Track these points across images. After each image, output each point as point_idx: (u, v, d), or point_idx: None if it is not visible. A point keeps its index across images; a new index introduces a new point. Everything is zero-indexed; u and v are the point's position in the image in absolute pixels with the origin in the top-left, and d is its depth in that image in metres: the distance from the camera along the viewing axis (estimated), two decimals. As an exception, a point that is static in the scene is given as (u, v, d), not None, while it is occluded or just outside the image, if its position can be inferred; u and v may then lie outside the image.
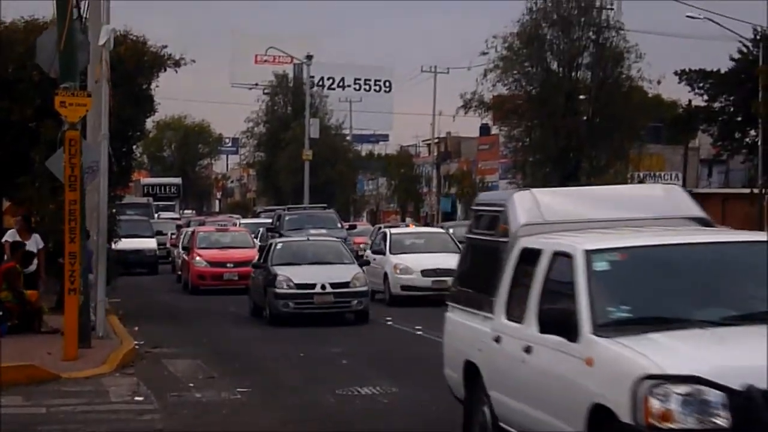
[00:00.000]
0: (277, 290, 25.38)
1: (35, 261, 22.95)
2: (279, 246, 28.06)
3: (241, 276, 33.62)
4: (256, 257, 31.72)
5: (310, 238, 30.12)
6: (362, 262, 28.44)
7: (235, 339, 23.24)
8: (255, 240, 38.98)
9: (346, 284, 25.69)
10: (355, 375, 17.61)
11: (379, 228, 35.22)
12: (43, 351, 18.71)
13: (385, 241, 32.59)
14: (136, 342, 20.92)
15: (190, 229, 44.94)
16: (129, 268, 40.59)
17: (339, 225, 43.52)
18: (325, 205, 51.95)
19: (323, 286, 25.44)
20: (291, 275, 25.65)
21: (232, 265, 35.24)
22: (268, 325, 25.71)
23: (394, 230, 34.98)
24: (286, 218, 43.33)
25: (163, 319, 27.56)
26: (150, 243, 46.19)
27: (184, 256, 38.60)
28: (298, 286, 25.41)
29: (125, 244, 36.57)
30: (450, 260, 25.49)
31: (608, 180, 48.48)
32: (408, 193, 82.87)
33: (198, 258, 35.81)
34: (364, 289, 25.94)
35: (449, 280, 23.35)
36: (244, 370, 18.58)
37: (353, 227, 52.02)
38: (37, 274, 22.92)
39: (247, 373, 18.12)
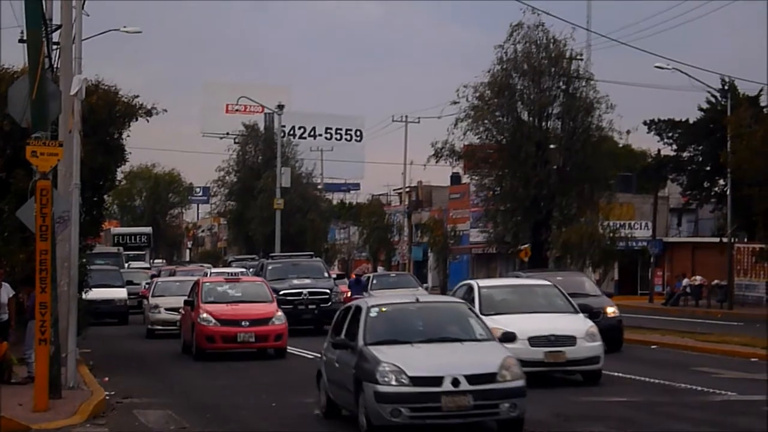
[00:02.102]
0: (381, 388, 15.70)
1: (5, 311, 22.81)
2: (373, 311, 17.30)
3: (258, 337, 29.27)
4: (276, 311, 29.76)
5: (420, 299, 18.71)
6: (506, 336, 20.16)
7: (206, 389, 23.10)
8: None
9: (490, 377, 15.89)
10: (327, 427, 17.51)
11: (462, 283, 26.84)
12: (13, 402, 18.57)
13: (471, 296, 24.00)
14: (107, 392, 20.78)
15: (167, 279, 44.21)
16: (99, 318, 40.41)
17: (326, 274, 41.46)
18: (311, 253, 50.69)
19: (455, 381, 15.56)
20: (402, 363, 15.82)
21: (247, 324, 29.30)
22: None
23: (483, 282, 25.47)
24: (270, 267, 41.25)
25: (134, 370, 27.38)
26: (121, 293, 46.04)
27: (183, 311, 32.89)
28: (416, 381, 15.63)
29: (96, 293, 36.48)
30: (566, 323, 22.86)
31: (578, 229, 48.70)
32: (379, 242, 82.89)
33: (205, 315, 29.44)
34: (519, 383, 16.08)
35: (567, 351, 22.06)
36: (216, 420, 18.47)
37: (341, 277, 50.88)
38: (7, 324, 22.78)
39: (219, 424, 18.04)
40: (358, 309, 17.55)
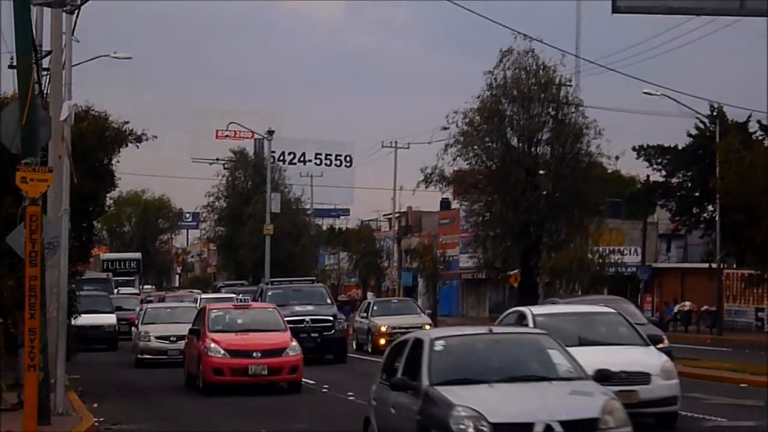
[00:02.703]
0: None
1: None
2: (438, 345, 14.44)
3: (271, 369, 26.69)
4: (291, 341, 27.50)
5: (494, 329, 15.99)
6: (601, 374, 14.91)
7: (194, 414, 23.04)
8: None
9: (591, 424, 12.92)
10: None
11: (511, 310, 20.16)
12: (2, 428, 18.47)
13: (523, 325, 20.62)
14: (95, 419, 20.72)
15: (157, 305, 43.41)
16: (89, 344, 40.27)
17: (328, 301, 39.20)
18: (313, 278, 49.49)
19: (548, 429, 12.67)
20: (481, 407, 12.90)
21: (259, 355, 26.77)
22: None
23: (536, 310, 22.20)
24: (269, 293, 39.22)
25: (123, 396, 27.30)
26: (110, 318, 45.88)
27: (186, 340, 30.13)
28: (500, 428, 12.71)
29: (85, 319, 36.37)
30: (638, 357, 19.39)
31: (568, 255, 48.75)
32: (369, 267, 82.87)
33: (213, 345, 26.92)
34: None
35: (640, 390, 18.25)
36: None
37: (345, 304, 49.27)
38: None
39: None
40: (418, 342, 14.49)
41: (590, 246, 53.18)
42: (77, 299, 30.84)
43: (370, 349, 41.90)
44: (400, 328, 40.13)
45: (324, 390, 27.42)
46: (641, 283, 67.46)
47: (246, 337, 27.54)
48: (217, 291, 60.95)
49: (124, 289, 66.52)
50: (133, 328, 42.52)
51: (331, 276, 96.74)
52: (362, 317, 44.88)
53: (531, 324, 20.19)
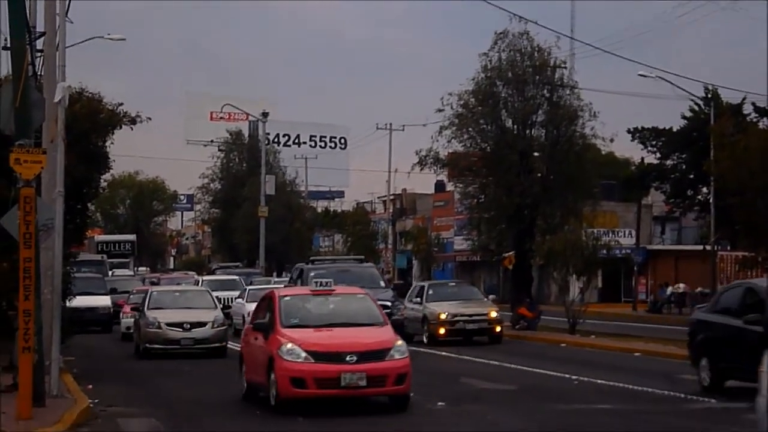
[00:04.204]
0: None
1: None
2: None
3: (371, 379, 19.28)
4: (396, 339, 20.17)
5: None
6: None
7: (190, 397, 23.07)
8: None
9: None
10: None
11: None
12: (-4, 410, 18.51)
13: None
14: (90, 401, 20.75)
15: (164, 288, 39.99)
16: (83, 326, 40.30)
17: (382, 283, 33.93)
18: (362, 257, 43.90)
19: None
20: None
21: (354, 359, 19.32)
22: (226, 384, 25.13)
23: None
24: (311, 274, 33.36)
25: (118, 378, 27.33)
26: (104, 300, 45.88)
27: (245, 338, 22.90)
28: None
29: (80, 301, 36.40)
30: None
31: (562, 238, 48.73)
32: (364, 250, 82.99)
33: (290, 346, 19.56)
34: None
35: None
36: (199, 429, 18.46)
37: (401, 286, 40.61)
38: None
39: (202, 432, 18.01)
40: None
41: (584, 228, 53.18)
42: (72, 281, 30.88)
43: (425, 340, 36.88)
44: (462, 316, 36.74)
45: (437, 406, 20.58)
46: (635, 265, 67.58)
47: (334, 334, 20.18)
48: (212, 273, 60.93)
49: (119, 271, 66.53)
50: (121, 313, 41.63)
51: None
52: (415, 303, 38.54)
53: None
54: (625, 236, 71.15)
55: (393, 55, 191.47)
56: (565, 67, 51.34)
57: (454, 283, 44.80)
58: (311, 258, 39.70)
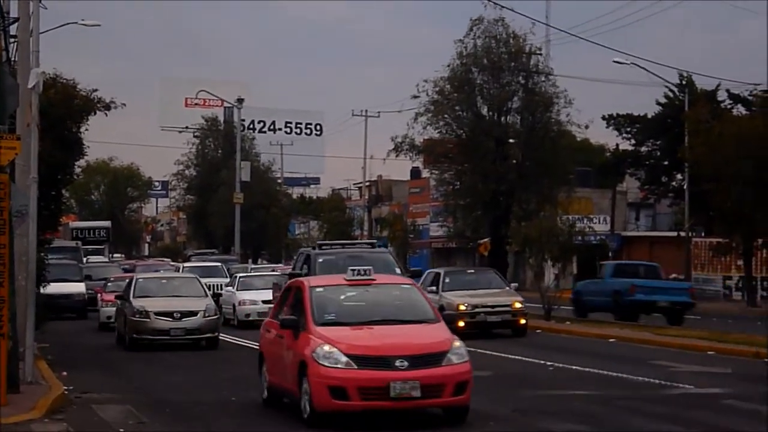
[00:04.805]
0: None
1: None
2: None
3: (426, 389, 16.25)
4: (453, 339, 17.06)
5: None
6: None
7: (165, 384, 23.03)
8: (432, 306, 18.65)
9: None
10: (282, 421, 17.52)
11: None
12: (-30, 397, 18.44)
13: None
14: (65, 387, 20.69)
15: (149, 276, 37.31)
16: (58, 313, 40.12)
17: (398, 271, 29.87)
18: (373, 241, 41.06)
19: None
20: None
21: (405, 364, 16.31)
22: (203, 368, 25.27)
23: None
24: (319, 260, 30.37)
25: (93, 364, 27.26)
26: (79, 287, 45.60)
27: (266, 337, 19.35)
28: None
29: (54, 288, 36.19)
30: None
31: (538, 224, 48.82)
32: (340, 237, 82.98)
33: (327, 348, 16.50)
34: None
35: None
36: (175, 416, 18.44)
37: (418, 273, 35.70)
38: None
39: (178, 419, 18.01)
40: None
41: (560, 215, 53.24)
42: (46, 268, 30.76)
43: None
44: (483, 307, 33.55)
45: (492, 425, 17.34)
46: (610, 251, 67.78)
47: (378, 333, 17.10)
48: (188, 260, 60.72)
49: (93, 258, 66.27)
50: (100, 301, 40.14)
51: (302, 245, 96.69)
52: (429, 293, 31.16)
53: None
54: (600, 222, 71.42)
55: (368, 40, 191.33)
56: (541, 54, 51.54)
57: (472, 270, 41.10)
58: (318, 242, 36.58)
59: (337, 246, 33.21)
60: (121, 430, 16.82)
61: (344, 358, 16.27)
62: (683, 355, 27.34)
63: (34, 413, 17.68)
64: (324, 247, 32.34)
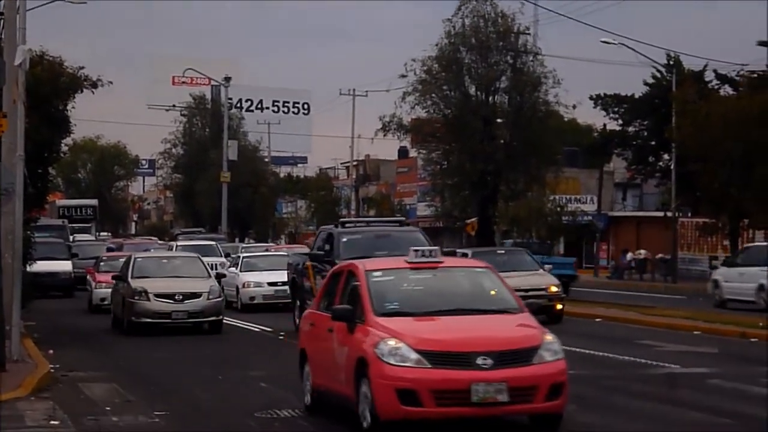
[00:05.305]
0: None
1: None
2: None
3: (513, 391, 13.41)
4: (543, 334, 14.13)
5: None
6: None
7: (152, 362, 23.04)
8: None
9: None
10: (272, 398, 17.55)
11: None
12: (-44, 375, 18.44)
13: None
14: (51, 365, 20.69)
15: (148, 255, 34.46)
16: (44, 291, 40.03)
17: None
18: (401, 218, 38.26)
19: None
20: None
21: (488, 363, 13.47)
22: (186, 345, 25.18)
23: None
24: (344, 240, 27.96)
25: (79, 343, 27.24)
26: (66, 266, 45.49)
27: (308, 330, 16.46)
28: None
29: (40, 266, 36.05)
30: None
31: (526, 204, 48.93)
32: (327, 216, 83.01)
33: (392, 343, 13.62)
34: None
35: None
36: (162, 393, 18.45)
37: (451, 254, 31.39)
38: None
39: (164, 397, 18.01)
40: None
41: (547, 195, 53.32)
42: (33, 246, 30.68)
43: None
44: (517, 290, 29.03)
45: None
46: (597, 231, 67.93)
47: (452, 325, 14.20)
48: (175, 239, 60.55)
49: (80, 236, 66.14)
50: (93, 282, 38.47)
51: (289, 224, 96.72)
52: None
53: None
54: (587, 202, 71.53)
55: (356, 18, 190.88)
56: (529, 34, 51.36)
57: (503, 251, 38.09)
58: (341, 220, 33.62)
59: (362, 224, 31.16)
60: (108, 408, 16.80)
61: (414, 355, 13.38)
62: (670, 335, 27.42)
63: (20, 391, 17.67)
64: (348, 225, 30.03)
